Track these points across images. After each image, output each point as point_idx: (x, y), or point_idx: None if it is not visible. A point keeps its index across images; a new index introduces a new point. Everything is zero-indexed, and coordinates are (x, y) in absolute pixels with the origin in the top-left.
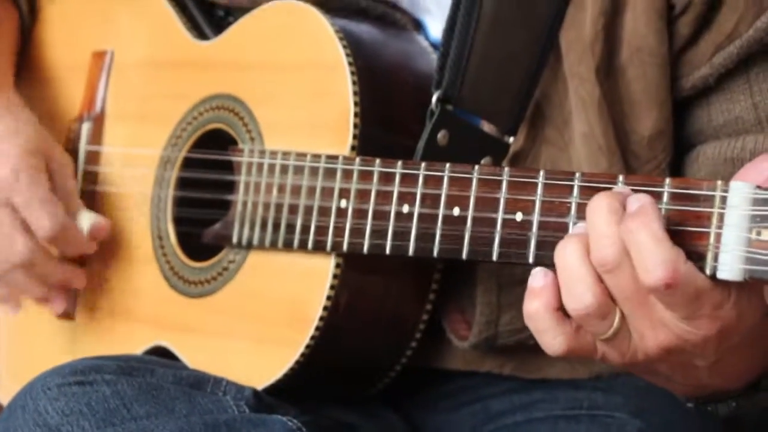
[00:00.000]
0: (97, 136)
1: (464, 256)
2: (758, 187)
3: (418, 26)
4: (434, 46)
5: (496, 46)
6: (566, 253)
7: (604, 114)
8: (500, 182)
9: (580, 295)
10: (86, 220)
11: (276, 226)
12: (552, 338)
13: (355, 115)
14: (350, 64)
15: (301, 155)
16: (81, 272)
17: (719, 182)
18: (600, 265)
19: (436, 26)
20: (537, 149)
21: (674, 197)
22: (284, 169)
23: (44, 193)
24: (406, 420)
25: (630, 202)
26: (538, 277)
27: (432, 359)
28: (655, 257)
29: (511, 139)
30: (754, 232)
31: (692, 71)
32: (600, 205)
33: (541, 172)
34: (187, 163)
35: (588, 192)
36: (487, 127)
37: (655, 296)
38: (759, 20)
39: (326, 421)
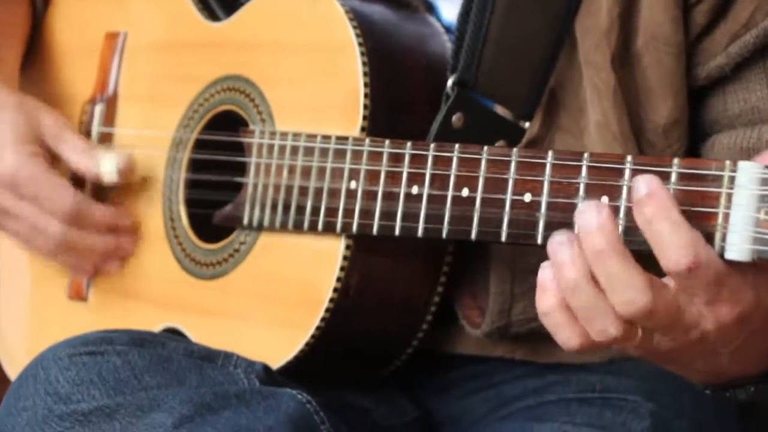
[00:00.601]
0: (109, 118)
1: (473, 237)
2: (766, 166)
3: (431, 9)
4: (446, 28)
5: (511, 30)
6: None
7: (618, 103)
8: (509, 163)
9: (604, 329)
10: (109, 164)
11: (286, 208)
12: (567, 337)
13: (365, 96)
14: (360, 44)
15: (311, 136)
16: (127, 239)
17: (727, 162)
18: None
19: (448, 9)
20: (551, 136)
21: (683, 177)
22: (294, 151)
23: (46, 180)
24: (418, 405)
25: (637, 187)
26: (548, 271)
27: (444, 344)
28: (676, 241)
29: (527, 124)
30: (762, 212)
31: (708, 60)
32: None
33: (550, 153)
34: (199, 145)
35: (596, 172)
36: (502, 111)
37: (676, 282)
38: None
39: (337, 403)
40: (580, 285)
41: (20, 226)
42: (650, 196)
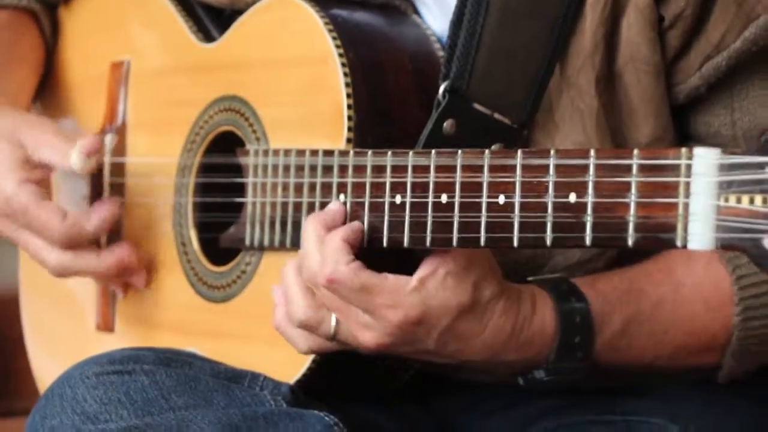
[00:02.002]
0: (120, 148)
1: (455, 243)
2: (723, 151)
3: (418, 12)
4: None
5: (505, 37)
6: (285, 270)
7: (602, 125)
8: (482, 166)
9: (294, 313)
10: (76, 156)
11: (284, 225)
12: (296, 346)
13: (349, 107)
14: (341, 55)
15: (300, 152)
16: (124, 251)
17: (683, 150)
18: (308, 280)
19: (432, 20)
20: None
21: (642, 169)
22: (286, 168)
23: (36, 210)
24: (437, 423)
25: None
26: (275, 291)
27: (462, 370)
28: (315, 260)
29: (526, 132)
30: (722, 199)
31: (684, 80)
32: (307, 224)
33: (519, 153)
34: (203, 168)
35: (563, 170)
36: (497, 116)
37: (339, 296)
38: (747, 31)
39: (355, 420)
40: (287, 272)
41: (28, 252)
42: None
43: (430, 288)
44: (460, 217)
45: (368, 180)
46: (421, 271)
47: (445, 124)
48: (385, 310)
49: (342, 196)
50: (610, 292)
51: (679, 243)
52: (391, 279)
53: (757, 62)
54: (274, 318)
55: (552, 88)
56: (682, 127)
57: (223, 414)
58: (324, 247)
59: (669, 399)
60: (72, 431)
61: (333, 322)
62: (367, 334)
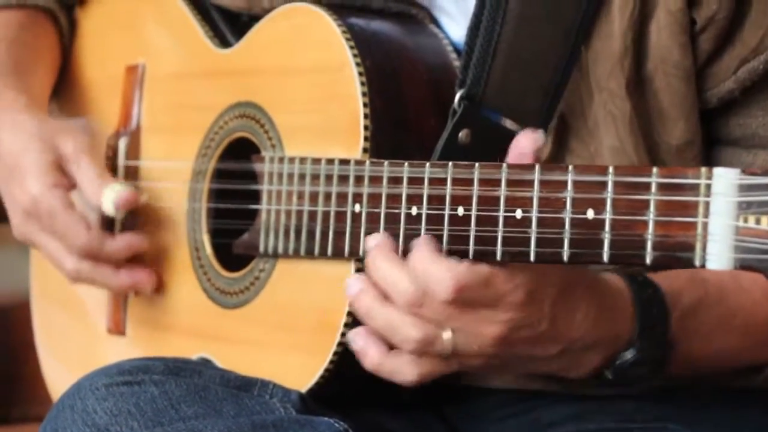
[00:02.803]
0: (134, 151)
1: (470, 255)
2: (743, 171)
3: (435, 21)
4: (453, 45)
5: (522, 44)
6: (367, 310)
7: (634, 128)
8: (499, 180)
9: (407, 335)
10: (107, 200)
11: (298, 234)
12: (402, 376)
13: (365, 116)
14: (358, 64)
15: (316, 161)
16: (142, 274)
17: (703, 170)
18: (410, 305)
19: (453, 27)
20: (562, 159)
21: (661, 187)
22: (302, 176)
23: (62, 216)
24: (450, 430)
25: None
26: (356, 340)
27: (481, 378)
28: (437, 275)
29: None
30: (741, 219)
31: (717, 84)
32: (378, 261)
33: (537, 167)
34: (217, 174)
35: (582, 186)
36: (512, 126)
37: (462, 303)
38: None
39: (366, 425)
40: (372, 306)
41: (45, 253)
42: (414, 245)
43: (529, 265)
44: (476, 230)
45: (384, 191)
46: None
47: (460, 134)
48: (508, 296)
49: (357, 206)
50: (674, 277)
51: (697, 262)
52: (496, 266)
53: None
54: (367, 362)
55: (583, 95)
56: (713, 130)
57: (232, 423)
58: (418, 265)
59: (686, 406)
60: None
61: (448, 335)
62: (490, 329)
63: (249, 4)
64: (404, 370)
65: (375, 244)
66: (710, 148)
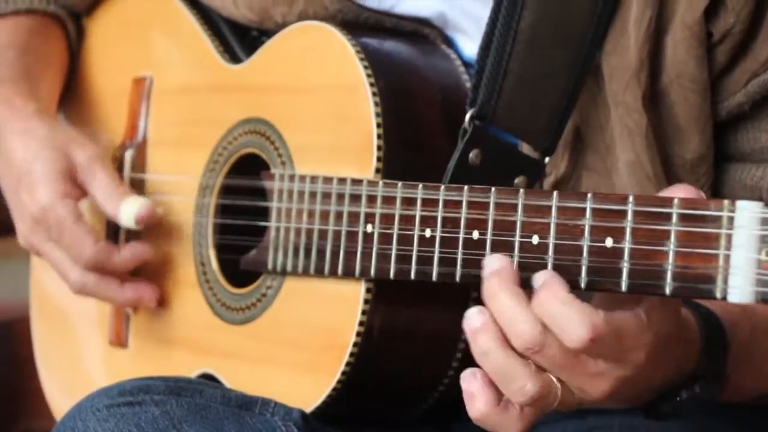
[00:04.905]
0: (140, 164)
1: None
2: (765, 204)
3: (449, 42)
4: (466, 64)
5: (532, 64)
6: (489, 351)
7: (650, 143)
8: (516, 205)
9: (523, 389)
10: (127, 214)
11: (307, 252)
12: (504, 430)
13: (379, 137)
14: (372, 84)
15: (327, 180)
16: (147, 290)
17: (726, 202)
18: (527, 348)
19: (469, 45)
20: (578, 176)
21: (683, 218)
22: (313, 194)
23: (71, 227)
24: None
25: (535, 279)
26: (471, 382)
27: None
28: (572, 320)
29: (547, 159)
30: (763, 253)
31: (728, 98)
32: (498, 293)
33: (555, 194)
34: (225, 190)
35: (601, 214)
36: (522, 146)
37: (585, 354)
38: None
39: None
40: (492, 348)
41: (50, 263)
42: (543, 284)
43: (655, 320)
44: (492, 254)
45: (397, 212)
46: (645, 305)
47: (471, 154)
48: (632, 353)
49: (369, 226)
50: (730, 307)
51: (719, 295)
52: (630, 317)
53: None
54: (473, 409)
55: (600, 110)
56: (723, 145)
57: None
58: (546, 306)
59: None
60: None
61: (557, 386)
62: (602, 385)
63: (260, 18)
64: (509, 426)
65: (497, 270)
66: (720, 162)
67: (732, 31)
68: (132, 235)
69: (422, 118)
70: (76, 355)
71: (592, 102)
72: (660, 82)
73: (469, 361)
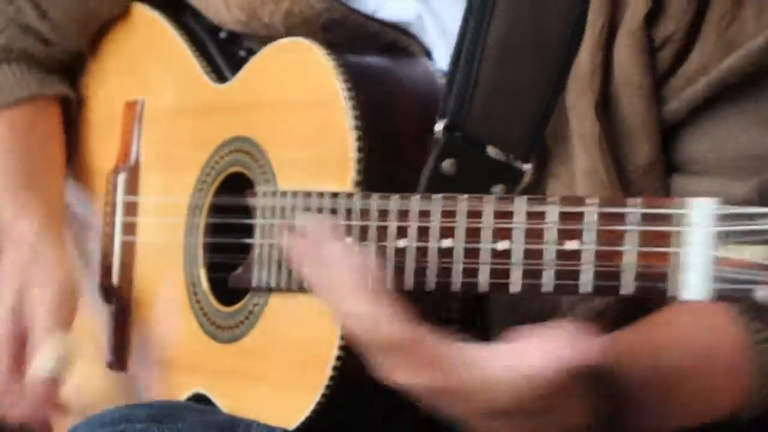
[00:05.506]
0: (133, 187)
1: (456, 287)
2: (720, 201)
3: (428, 53)
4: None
5: (504, 74)
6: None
7: (604, 150)
8: (482, 212)
9: None
10: (42, 367)
11: (290, 267)
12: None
13: (357, 150)
14: (350, 98)
15: (307, 194)
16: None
17: (682, 200)
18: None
19: (441, 57)
20: (544, 184)
21: (644, 217)
22: (293, 209)
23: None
24: None
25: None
26: None
27: None
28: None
29: (526, 166)
30: (720, 250)
31: (668, 103)
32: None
33: (522, 199)
34: (213, 209)
35: (565, 217)
36: (497, 154)
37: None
38: (725, 61)
39: None
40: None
41: None
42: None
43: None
44: (462, 263)
45: (374, 224)
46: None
47: (444, 164)
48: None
49: (349, 240)
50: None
51: (674, 292)
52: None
53: (737, 89)
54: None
55: (561, 116)
56: (674, 153)
57: None
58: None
59: None
60: None
61: None
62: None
63: (248, 18)
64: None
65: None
66: (670, 172)
67: (672, 37)
68: (126, 260)
69: (401, 130)
70: (75, 380)
71: (556, 110)
72: (611, 88)
73: None
